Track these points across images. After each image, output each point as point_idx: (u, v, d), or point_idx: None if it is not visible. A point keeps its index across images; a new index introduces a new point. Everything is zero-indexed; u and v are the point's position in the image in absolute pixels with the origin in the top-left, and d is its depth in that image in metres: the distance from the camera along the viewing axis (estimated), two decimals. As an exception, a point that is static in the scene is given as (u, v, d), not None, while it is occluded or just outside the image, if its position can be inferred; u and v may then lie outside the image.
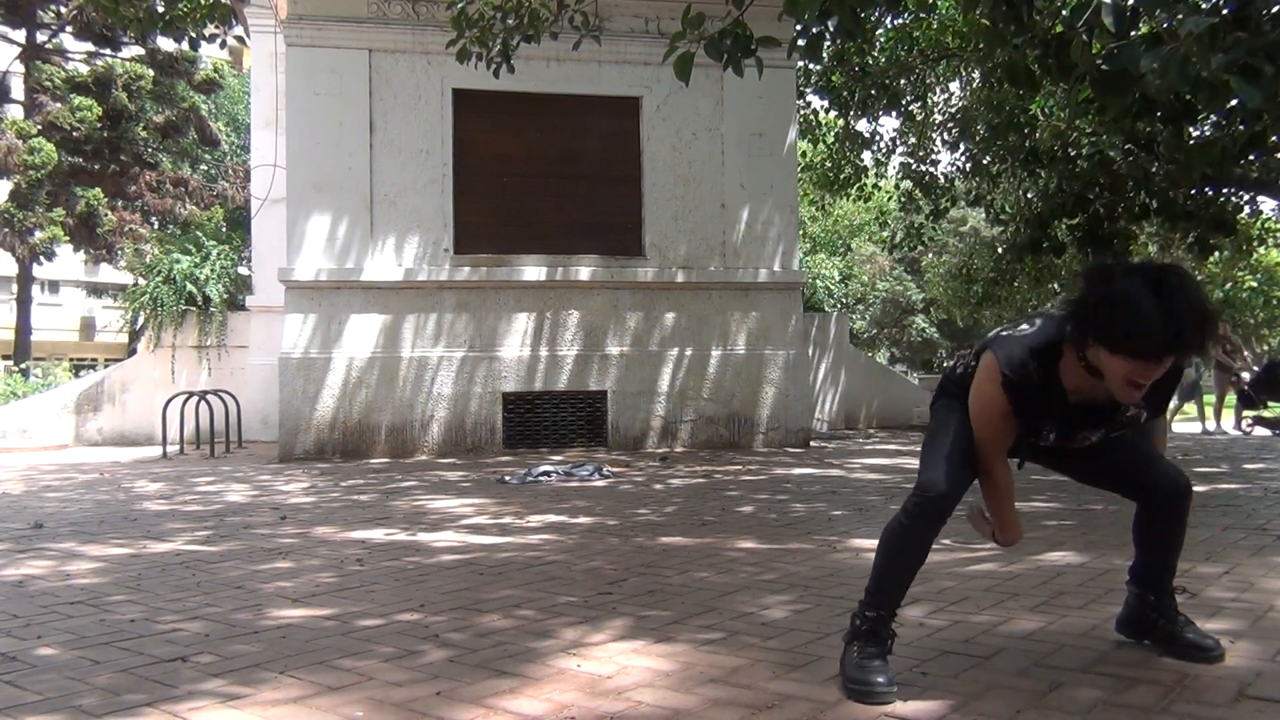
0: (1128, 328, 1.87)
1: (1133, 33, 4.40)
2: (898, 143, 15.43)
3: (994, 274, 14.21)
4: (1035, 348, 2.10)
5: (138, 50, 24.56)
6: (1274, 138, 7.15)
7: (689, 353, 9.76)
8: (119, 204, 24.63)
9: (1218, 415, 13.21)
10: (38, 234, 23.12)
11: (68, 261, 29.80)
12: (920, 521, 2.19)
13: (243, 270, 13.14)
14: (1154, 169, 8.40)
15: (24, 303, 25.31)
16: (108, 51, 25.13)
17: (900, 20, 12.68)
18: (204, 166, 28.10)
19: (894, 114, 14.53)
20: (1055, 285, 14.68)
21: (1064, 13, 5.33)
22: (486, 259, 9.41)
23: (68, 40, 25.62)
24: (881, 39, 12.93)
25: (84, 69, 24.94)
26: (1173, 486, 2.34)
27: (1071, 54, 4.40)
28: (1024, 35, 5.12)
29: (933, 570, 3.53)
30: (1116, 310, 1.89)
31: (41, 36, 24.77)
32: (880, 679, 2.09)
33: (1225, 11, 3.86)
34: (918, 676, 2.27)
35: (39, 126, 22.83)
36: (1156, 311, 1.84)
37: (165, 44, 23.48)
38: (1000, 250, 14.32)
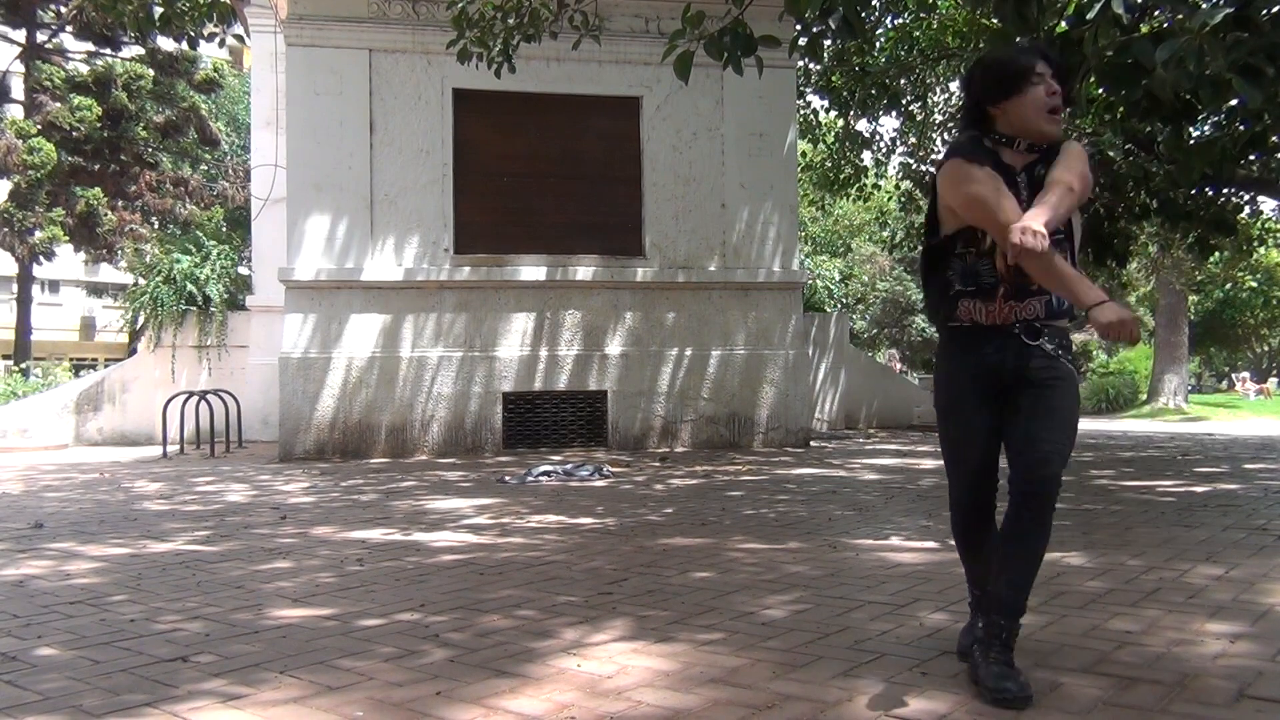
0: (1004, 63, 2.30)
1: (1139, 30, 4.41)
2: (898, 143, 15.43)
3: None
4: (961, 141, 2.41)
5: (138, 50, 24.55)
6: (1274, 138, 7.15)
7: (689, 353, 9.76)
8: (119, 204, 24.62)
9: None
10: (38, 234, 23.12)
11: (68, 261, 29.79)
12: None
13: (243, 270, 13.14)
14: (1154, 169, 8.39)
15: (24, 302, 25.30)
16: (108, 51, 25.12)
17: (900, 20, 12.69)
18: (204, 166, 28.08)
19: (894, 114, 14.53)
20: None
21: (1067, 11, 5.32)
22: (486, 259, 9.41)
23: (68, 40, 25.62)
24: (881, 39, 12.93)
25: (84, 69, 24.93)
26: (1023, 486, 2.18)
27: (1085, 48, 4.40)
28: (1028, 34, 5.12)
29: (933, 570, 3.53)
30: (988, 68, 2.33)
31: (41, 36, 24.76)
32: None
33: (1228, 10, 3.86)
34: (918, 676, 2.27)
35: (39, 126, 22.82)
36: (1012, 54, 2.33)
37: (165, 44, 23.47)
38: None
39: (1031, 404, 2.23)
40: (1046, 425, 2.21)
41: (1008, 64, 2.30)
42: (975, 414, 2.31)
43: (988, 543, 2.36)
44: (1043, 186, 2.23)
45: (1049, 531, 2.24)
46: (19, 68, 24.54)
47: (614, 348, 9.63)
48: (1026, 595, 2.21)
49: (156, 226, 24.71)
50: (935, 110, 15.02)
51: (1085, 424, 18.64)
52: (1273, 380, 38.30)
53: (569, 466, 7.37)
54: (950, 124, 14.62)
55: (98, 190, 23.86)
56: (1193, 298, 28.97)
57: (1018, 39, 5.26)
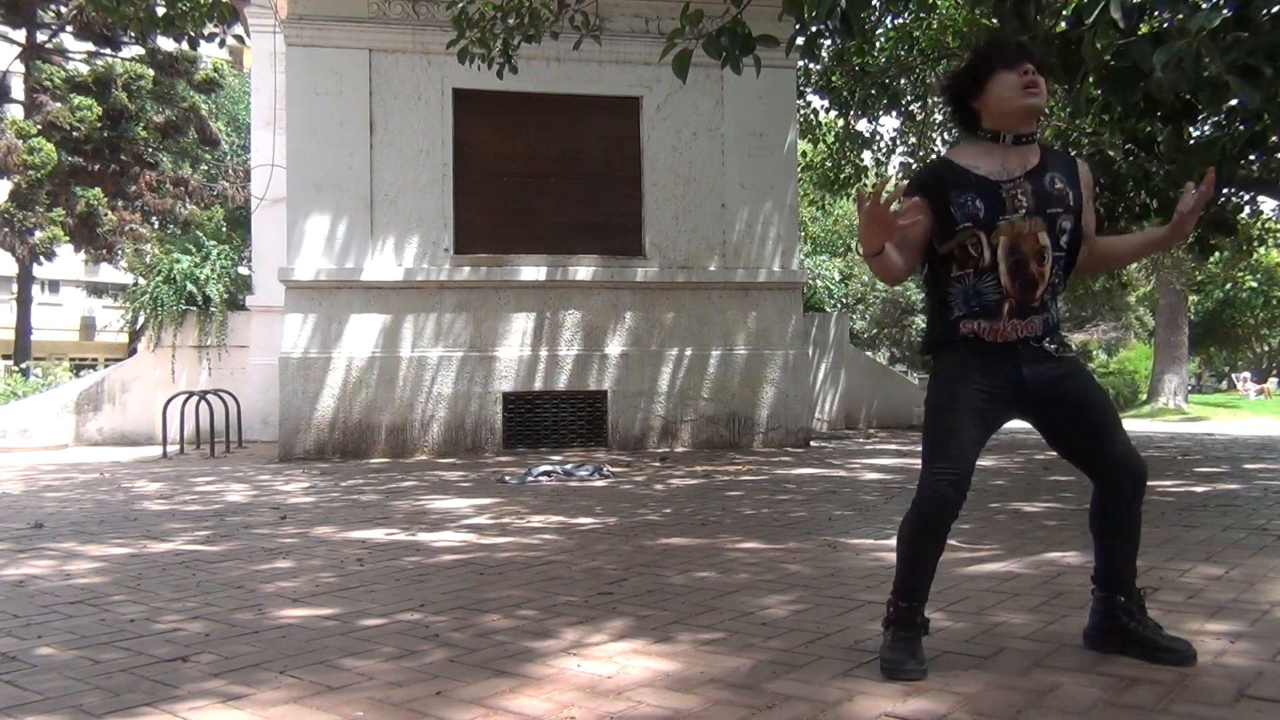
0: (976, 61, 2.32)
1: (1137, 32, 4.41)
2: (898, 143, 15.43)
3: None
4: (925, 165, 2.57)
5: (138, 50, 24.56)
6: (1274, 138, 7.15)
7: (689, 353, 9.76)
8: (119, 204, 24.62)
9: None
10: (38, 234, 23.12)
11: (68, 261, 29.80)
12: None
13: (243, 270, 13.15)
14: (1154, 169, 8.39)
15: (24, 302, 25.30)
16: (108, 51, 25.12)
17: (900, 20, 12.69)
18: (204, 166, 28.07)
19: (894, 114, 14.53)
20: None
21: (1065, 12, 5.33)
22: (486, 259, 9.41)
23: (68, 40, 25.62)
24: (881, 39, 12.92)
25: (84, 69, 24.93)
26: (1126, 469, 2.28)
27: (1084, 50, 4.41)
28: (1027, 34, 5.12)
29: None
30: (966, 67, 2.36)
31: (41, 36, 24.76)
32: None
33: (1226, 12, 3.86)
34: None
35: (39, 126, 22.82)
36: (982, 45, 2.38)
37: (165, 44, 23.48)
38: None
39: (1072, 399, 2.29)
40: (1101, 410, 2.31)
41: (971, 57, 2.37)
42: (977, 412, 2.28)
43: (940, 550, 2.35)
44: (1054, 199, 2.27)
45: None
46: (19, 68, 24.54)
47: (614, 348, 9.63)
48: None
49: (156, 226, 24.72)
50: (935, 110, 15.01)
51: (1085, 424, 18.66)
52: (1273, 380, 38.30)
53: (569, 466, 7.37)
54: (950, 124, 14.62)
55: (98, 190, 23.86)
56: (1193, 298, 28.99)
57: (1016, 39, 5.27)
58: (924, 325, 2.43)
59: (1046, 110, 11.19)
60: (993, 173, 2.29)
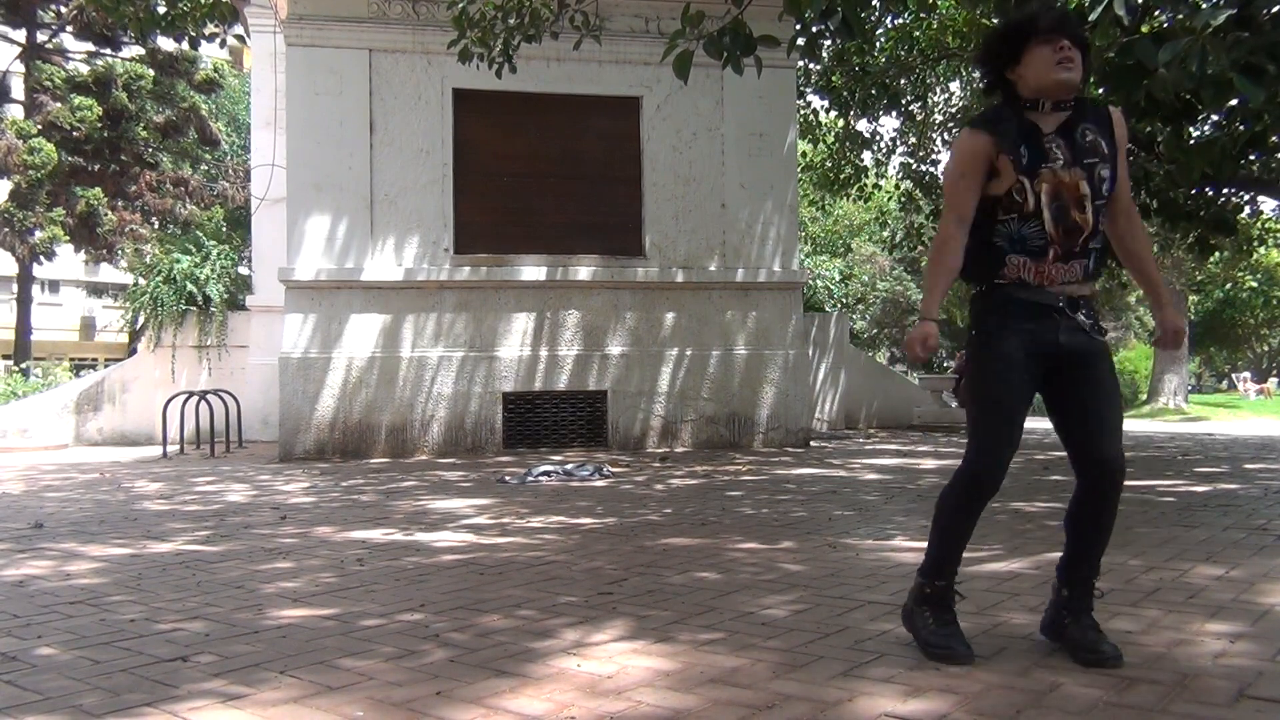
0: (1013, 31, 2.34)
1: (1139, 31, 4.41)
2: (898, 143, 15.43)
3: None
4: (986, 109, 2.53)
5: (138, 50, 24.55)
6: (1274, 138, 7.15)
7: (689, 353, 9.76)
8: (119, 204, 24.62)
9: None
10: (38, 234, 23.12)
11: (68, 261, 29.79)
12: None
13: (243, 270, 13.15)
14: (1154, 169, 8.39)
15: (24, 302, 25.30)
16: (108, 51, 25.12)
17: (900, 20, 12.69)
18: (204, 166, 28.07)
19: (894, 114, 14.53)
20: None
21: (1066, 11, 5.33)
22: (486, 259, 9.41)
23: (68, 40, 25.61)
24: (881, 39, 12.93)
25: (84, 69, 24.93)
26: (1105, 468, 2.34)
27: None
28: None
29: (933, 570, 3.53)
30: (1002, 32, 2.39)
31: (41, 36, 24.76)
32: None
33: (1229, 11, 3.86)
34: (918, 676, 2.27)
35: (39, 126, 22.82)
36: (1019, 16, 2.38)
37: (165, 44, 23.46)
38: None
39: (1089, 383, 2.35)
40: (1110, 405, 2.37)
41: (1008, 26, 2.39)
42: (1022, 382, 2.34)
43: (975, 524, 2.44)
44: (1088, 150, 2.33)
45: None
46: (19, 68, 24.54)
47: (614, 348, 9.63)
48: None
49: (156, 226, 24.71)
50: (935, 110, 15.02)
51: (1085, 424, 18.67)
52: (1273, 380, 38.30)
53: (569, 466, 7.37)
54: (950, 124, 14.63)
55: (98, 190, 23.86)
56: (1193, 298, 28.98)
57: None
58: (940, 321, 2.46)
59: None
60: (1034, 120, 2.35)
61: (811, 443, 10.14)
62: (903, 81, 13.53)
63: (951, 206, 2.40)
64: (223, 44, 12.27)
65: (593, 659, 2.45)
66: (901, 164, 15.60)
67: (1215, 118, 7.82)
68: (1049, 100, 2.34)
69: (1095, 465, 2.35)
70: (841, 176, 15.24)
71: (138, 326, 13.12)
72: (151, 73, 24.19)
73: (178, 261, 12.18)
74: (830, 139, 15.14)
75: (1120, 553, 3.82)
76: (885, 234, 19.97)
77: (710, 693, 2.17)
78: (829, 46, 12.17)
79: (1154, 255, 2.66)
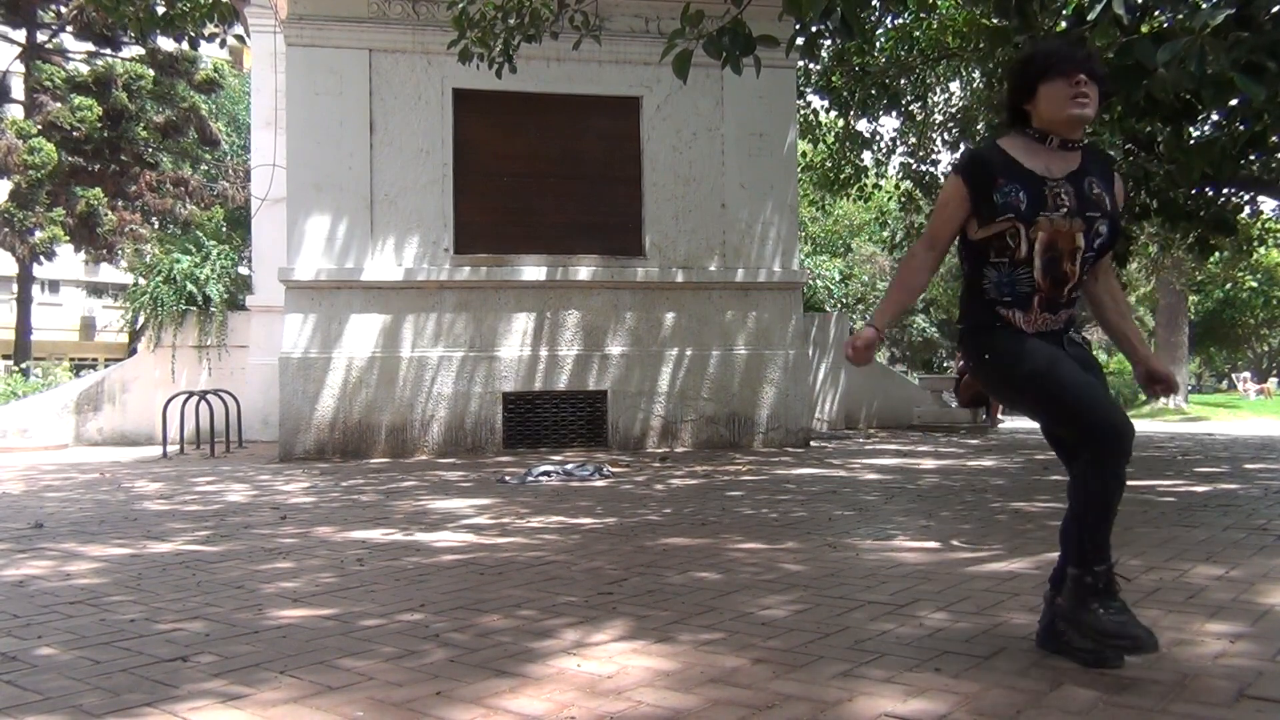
0: (1031, 64, 2.34)
1: (1138, 31, 4.41)
2: (898, 143, 15.43)
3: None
4: (977, 147, 2.56)
5: (138, 50, 24.55)
6: (1274, 138, 7.15)
7: (689, 353, 9.76)
8: (119, 204, 24.62)
9: None
10: (38, 234, 23.12)
11: (68, 261, 29.79)
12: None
13: (243, 270, 13.15)
14: (1154, 169, 8.39)
15: (24, 302, 25.30)
16: (108, 51, 25.12)
17: (900, 20, 12.69)
18: (204, 166, 28.08)
19: (894, 114, 14.53)
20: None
21: (1066, 11, 5.33)
22: (486, 259, 9.41)
23: (68, 40, 25.62)
24: (881, 39, 12.93)
25: (84, 69, 24.93)
26: (1114, 430, 2.22)
27: (1087, 47, 4.41)
28: (1029, 34, 5.12)
29: (933, 570, 3.53)
30: (1023, 66, 2.39)
31: (41, 36, 24.76)
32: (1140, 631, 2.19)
33: (1229, 11, 3.86)
34: (918, 676, 2.27)
35: (39, 126, 22.82)
36: (1041, 49, 2.38)
37: (165, 44, 23.47)
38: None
39: (1094, 375, 2.37)
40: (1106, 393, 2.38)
41: (1030, 59, 2.39)
42: (1062, 355, 2.34)
43: None
44: (1093, 204, 2.32)
45: None
46: (19, 68, 24.54)
47: (614, 348, 9.63)
48: None
49: (156, 226, 24.72)
50: (935, 110, 15.02)
51: (1085, 424, 18.66)
52: (1273, 380, 38.30)
53: (569, 466, 7.37)
54: (950, 124, 14.63)
55: (98, 190, 23.86)
56: (1193, 298, 28.99)
57: (1016, 37, 5.27)
58: (924, 324, 2.47)
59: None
60: (1037, 168, 2.33)
61: (811, 443, 10.14)
62: (903, 81, 13.53)
63: (929, 230, 2.46)
64: (223, 44, 12.26)
65: (593, 659, 2.45)
66: (901, 164, 15.60)
67: (1215, 118, 7.82)
68: (1057, 137, 2.33)
69: (1094, 429, 2.26)
70: (841, 176, 15.24)
71: (138, 326, 13.13)
72: (151, 73, 24.19)
73: (178, 261, 12.18)
74: (830, 139, 15.14)
75: (1120, 553, 3.81)
76: (885, 234, 19.98)
77: (710, 693, 2.17)
78: (829, 46, 12.17)
79: (1130, 309, 2.67)
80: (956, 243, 2.47)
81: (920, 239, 2.48)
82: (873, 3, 10.39)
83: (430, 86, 9.35)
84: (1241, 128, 6.59)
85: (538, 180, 9.58)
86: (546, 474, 7.07)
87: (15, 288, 26.20)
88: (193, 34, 10.99)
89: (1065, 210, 2.29)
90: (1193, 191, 8.59)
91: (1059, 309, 2.35)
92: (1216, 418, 22.18)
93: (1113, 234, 2.37)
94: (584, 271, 9.53)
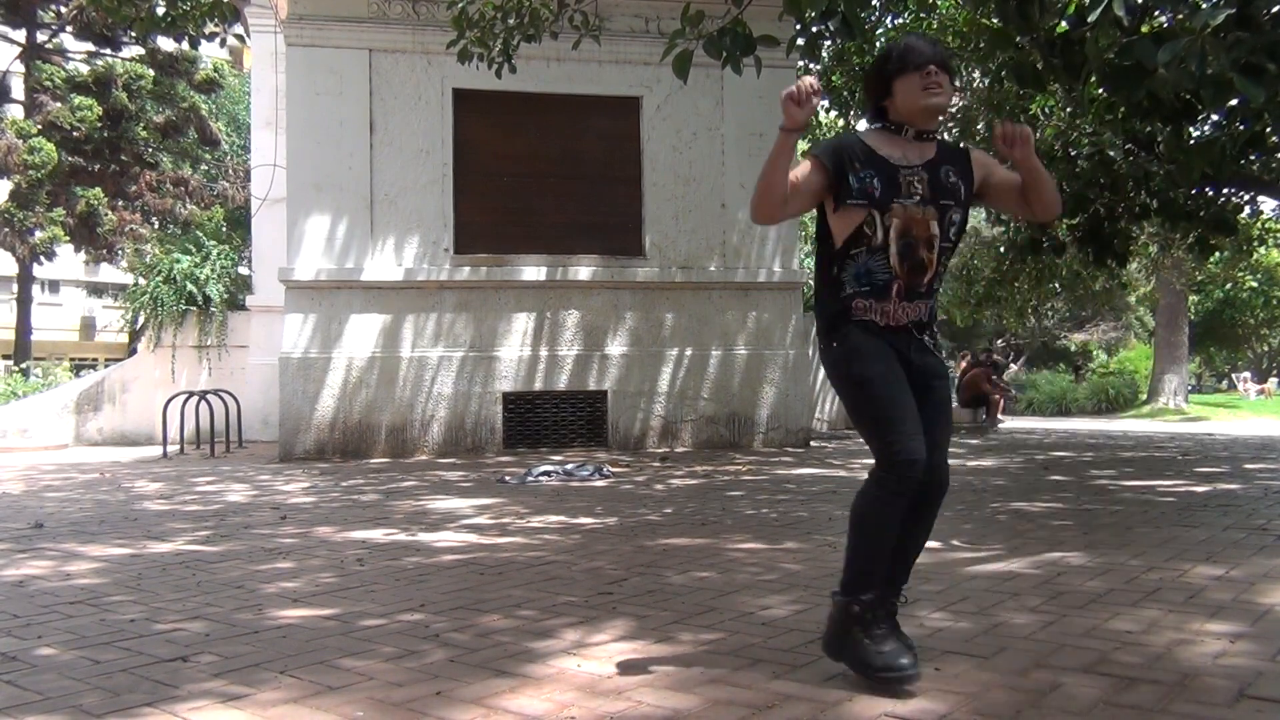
0: (886, 62, 2.38)
1: (1139, 31, 4.41)
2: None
3: (994, 274, 14.19)
4: (837, 136, 2.62)
5: (138, 50, 24.55)
6: (1274, 138, 7.15)
7: (689, 353, 9.76)
8: (119, 204, 24.63)
9: None
10: (38, 234, 23.12)
11: (68, 261, 29.79)
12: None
13: (243, 270, 13.15)
14: (1154, 169, 8.39)
15: (24, 302, 25.31)
16: (108, 51, 25.12)
17: (900, 20, 12.69)
18: (204, 166, 28.07)
19: (894, 114, 14.49)
20: (1056, 285, 14.63)
21: (1068, 12, 5.33)
22: (486, 259, 9.41)
23: (68, 40, 25.62)
24: (881, 39, 12.92)
25: (84, 69, 24.94)
26: (938, 476, 2.30)
27: (1087, 49, 4.41)
28: (1029, 35, 5.12)
29: (932, 570, 3.53)
30: (878, 64, 2.42)
31: (41, 36, 24.76)
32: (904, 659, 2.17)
33: (1229, 11, 3.86)
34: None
35: (39, 126, 22.82)
36: (893, 46, 2.41)
37: (165, 44, 23.47)
38: (1000, 250, 14.30)
39: (931, 404, 2.34)
40: (943, 428, 2.38)
41: (885, 56, 2.43)
42: (899, 372, 2.31)
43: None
44: (947, 192, 2.36)
45: None
46: (19, 68, 24.54)
47: (614, 348, 9.63)
48: None
49: (156, 226, 24.71)
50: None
51: (1086, 424, 18.65)
52: (1273, 380, 38.29)
53: (569, 466, 7.37)
54: (950, 124, 14.61)
55: (98, 190, 23.87)
56: (1193, 298, 28.97)
57: (1017, 38, 5.26)
58: (940, 321, 2.45)
59: (1045, 112, 11.21)
60: (893, 157, 2.36)
61: (812, 443, 10.14)
62: (903, 81, 13.50)
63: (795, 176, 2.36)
64: (223, 44, 12.25)
65: (593, 659, 2.45)
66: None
67: (1215, 118, 7.82)
68: (912, 128, 2.36)
69: (927, 472, 2.28)
70: (841, 176, 15.20)
71: (138, 326, 13.14)
72: (151, 73, 24.19)
73: (178, 261, 12.18)
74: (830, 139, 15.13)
75: (1120, 553, 3.82)
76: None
77: (710, 693, 2.17)
78: (829, 46, 12.15)
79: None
80: (818, 243, 2.45)
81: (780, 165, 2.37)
82: (873, 3, 10.39)
83: (430, 86, 9.35)
84: (1241, 128, 6.59)
85: (538, 180, 9.58)
86: (546, 474, 7.08)
87: (15, 288, 26.22)
88: (193, 34, 10.98)
89: (919, 198, 2.32)
90: (1193, 191, 8.59)
91: (917, 298, 2.35)
92: (1216, 418, 22.16)
93: (964, 222, 2.42)
94: (584, 271, 9.53)
